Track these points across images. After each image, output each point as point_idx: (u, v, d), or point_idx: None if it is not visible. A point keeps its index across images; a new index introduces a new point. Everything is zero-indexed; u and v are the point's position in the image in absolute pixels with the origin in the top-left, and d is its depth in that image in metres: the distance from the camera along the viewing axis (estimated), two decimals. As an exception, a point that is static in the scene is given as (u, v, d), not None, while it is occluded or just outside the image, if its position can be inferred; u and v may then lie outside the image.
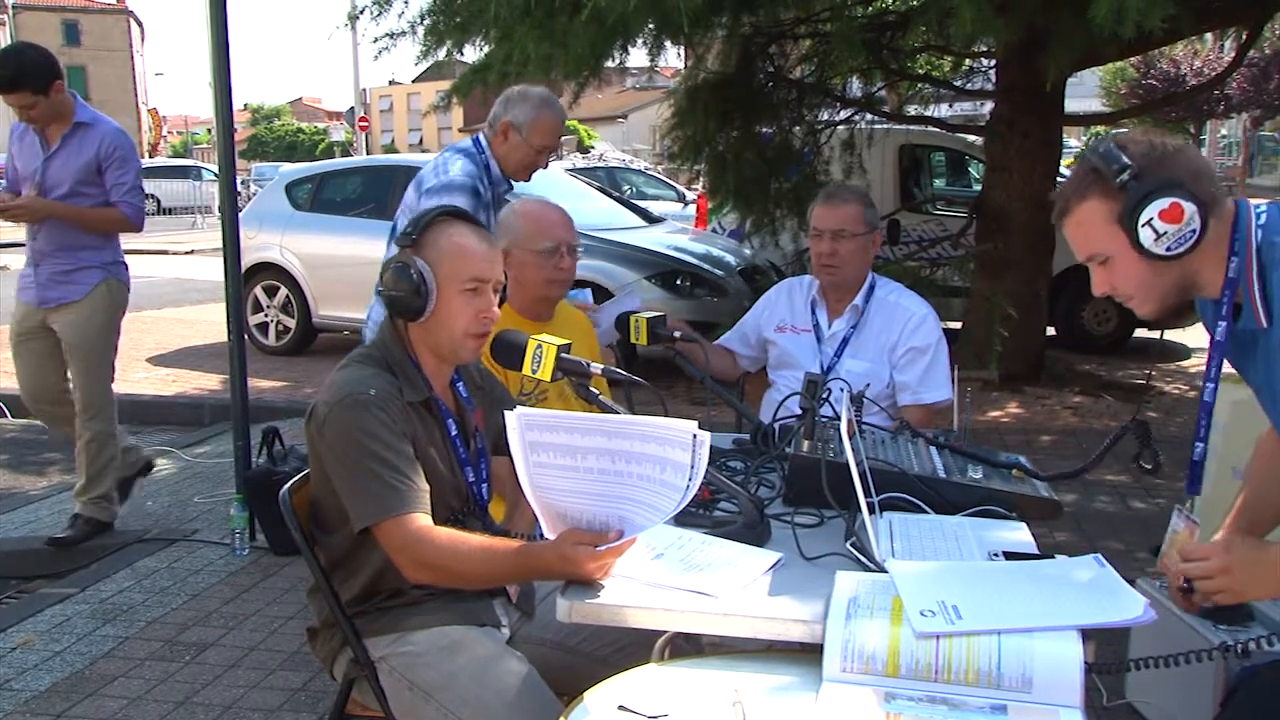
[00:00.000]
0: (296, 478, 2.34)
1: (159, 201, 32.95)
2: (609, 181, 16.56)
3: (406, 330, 2.27)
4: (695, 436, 1.77)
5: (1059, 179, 8.19)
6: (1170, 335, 9.19)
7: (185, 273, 16.68)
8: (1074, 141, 37.93)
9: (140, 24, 59.93)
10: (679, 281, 7.90)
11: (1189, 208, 1.76)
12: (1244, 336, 1.87)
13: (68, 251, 4.58)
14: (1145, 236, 1.78)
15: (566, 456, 1.86)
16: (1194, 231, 1.77)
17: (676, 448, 1.78)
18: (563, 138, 3.73)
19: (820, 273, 3.37)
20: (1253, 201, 1.91)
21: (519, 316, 3.04)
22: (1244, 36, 8.30)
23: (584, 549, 1.85)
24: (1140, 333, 9.34)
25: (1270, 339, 1.82)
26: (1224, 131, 37.12)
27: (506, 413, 1.89)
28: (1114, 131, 1.89)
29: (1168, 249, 1.78)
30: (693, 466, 1.78)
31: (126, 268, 4.83)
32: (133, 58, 57.28)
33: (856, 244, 3.29)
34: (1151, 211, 1.77)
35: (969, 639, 1.58)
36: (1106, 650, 3.14)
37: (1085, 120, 13.42)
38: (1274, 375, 1.85)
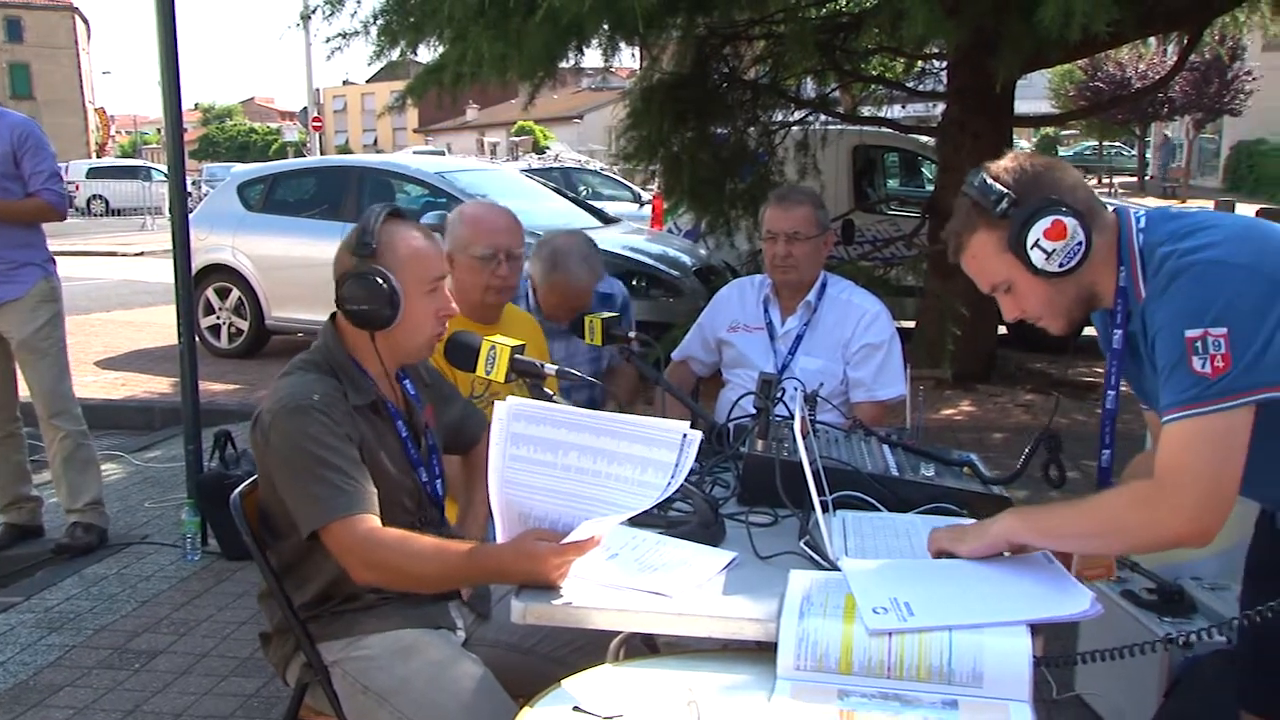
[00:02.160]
0: (248, 481, 2.32)
1: (107, 202, 32.59)
2: (565, 182, 16.54)
3: (372, 338, 2.21)
4: (685, 436, 1.82)
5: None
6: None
7: (135, 275, 16.48)
8: (1024, 142, 38.38)
9: (86, 21, 58.96)
10: (635, 282, 7.90)
11: (1070, 222, 1.80)
12: (1135, 342, 1.92)
13: (7, 250, 4.50)
14: (1036, 258, 1.82)
15: (547, 451, 1.86)
16: (1080, 244, 1.81)
17: (663, 448, 1.81)
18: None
19: (775, 273, 3.39)
20: (1133, 208, 1.95)
21: (465, 319, 3.01)
22: (1185, 41, 8.44)
23: (545, 544, 1.83)
24: (1088, 331, 9.46)
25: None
26: (1168, 133, 37.75)
27: (496, 401, 1.88)
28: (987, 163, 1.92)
29: (1060, 265, 1.82)
30: (677, 465, 1.81)
31: (56, 266, 4.74)
32: (78, 55, 56.38)
33: (810, 245, 3.32)
34: (1036, 233, 1.81)
35: (920, 635, 1.59)
36: (1056, 644, 3.18)
37: (1035, 122, 13.60)
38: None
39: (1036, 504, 1.91)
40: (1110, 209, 1.92)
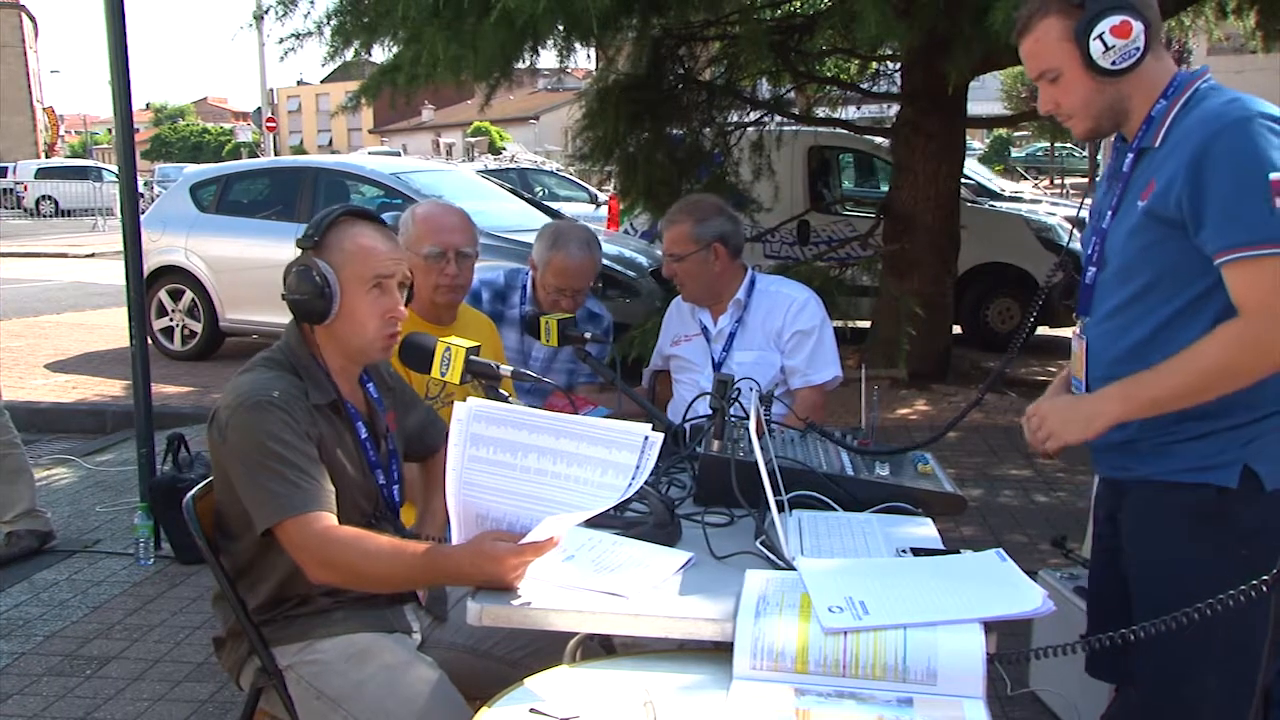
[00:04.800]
0: (201, 485, 2.31)
1: (57, 203, 32.04)
2: (521, 183, 16.51)
3: (312, 332, 2.24)
4: (646, 439, 1.83)
5: (962, 180, 8.36)
6: (1064, 333, 9.43)
7: (86, 276, 16.25)
8: (976, 144, 38.76)
9: (33, 19, 57.83)
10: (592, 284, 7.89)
11: (1137, 25, 1.95)
12: (1126, 155, 2.08)
13: None
14: (1095, 49, 1.96)
15: (506, 453, 1.86)
16: (1138, 49, 1.96)
17: (624, 450, 1.83)
18: (576, 271, 3.49)
19: None
20: None
21: (420, 319, 3.00)
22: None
23: (503, 545, 1.82)
24: (1041, 330, 9.57)
25: (1153, 157, 2.01)
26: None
27: (457, 402, 1.89)
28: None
29: (1113, 63, 1.97)
30: (638, 467, 1.82)
31: None
32: (26, 54, 55.35)
33: (691, 263, 3.34)
34: (1104, 26, 1.95)
35: (875, 634, 1.60)
36: (1010, 641, 3.21)
37: (988, 123, 13.73)
38: (1136, 187, 2.04)
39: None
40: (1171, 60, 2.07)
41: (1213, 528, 1.95)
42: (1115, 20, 1.93)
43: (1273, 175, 1.81)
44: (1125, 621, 1.91)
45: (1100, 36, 1.94)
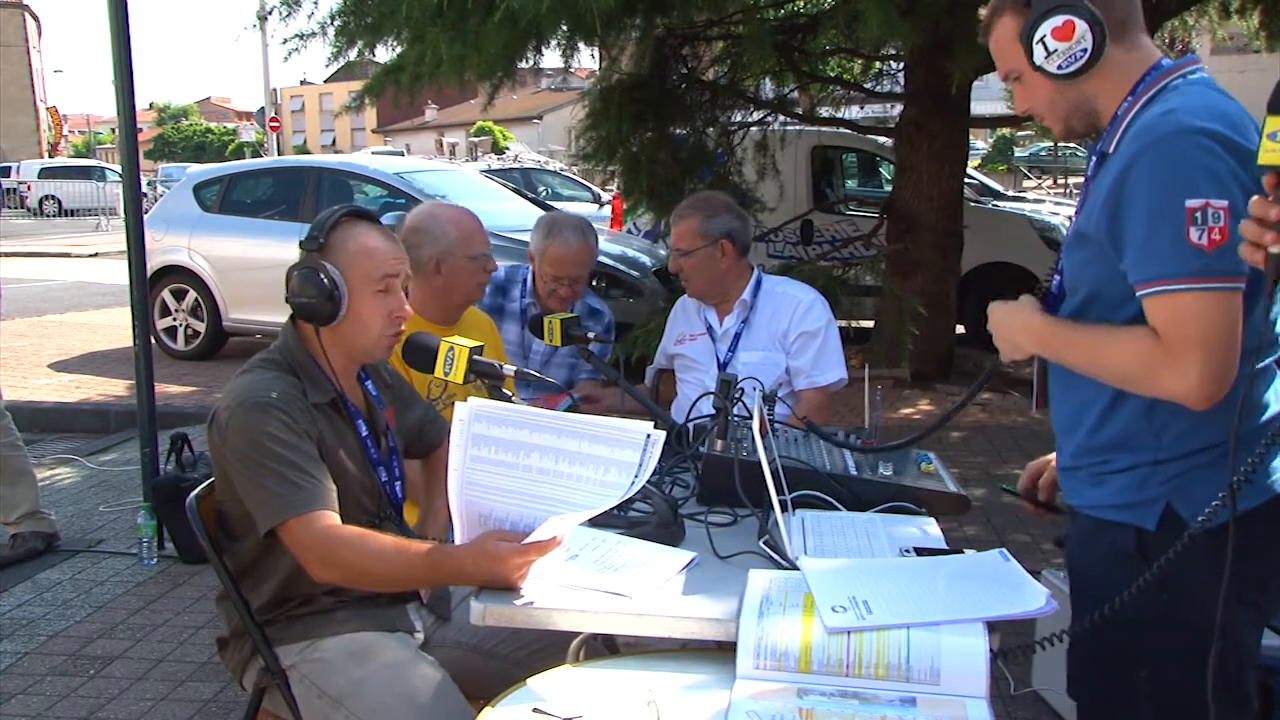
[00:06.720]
0: (204, 484, 2.31)
1: (60, 203, 32.06)
2: (524, 183, 16.51)
3: (317, 333, 2.23)
4: (649, 436, 1.83)
5: (966, 180, 8.35)
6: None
7: (89, 276, 16.26)
8: (980, 143, 38.73)
9: (36, 18, 57.78)
10: (594, 282, 7.89)
11: (1080, 25, 1.77)
12: (1091, 158, 1.93)
13: None
14: (1037, 53, 1.81)
15: (509, 452, 1.86)
16: (1084, 50, 1.78)
17: (627, 448, 1.83)
18: (568, 260, 3.48)
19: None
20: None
21: (424, 321, 3.00)
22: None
23: (506, 545, 1.82)
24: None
25: (1109, 164, 1.82)
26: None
27: (457, 403, 1.89)
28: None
29: (1059, 67, 1.81)
30: (640, 465, 1.82)
31: None
32: (29, 53, 55.37)
33: (698, 258, 3.34)
34: (1045, 29, 1.79)
35: (879, 633, 1.60)
36: (1013, 641, 3.21)
37: (991, 122, 13.68)
38: (1096, 193, 1.85)
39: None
40: (1155, 47, 1.89)
41: (1137, 572, 1.70)
42: (1057, 21, 1.77)
43: (1190, 202, 1.63)
44: None
45: (1042, 40, 1.79)
